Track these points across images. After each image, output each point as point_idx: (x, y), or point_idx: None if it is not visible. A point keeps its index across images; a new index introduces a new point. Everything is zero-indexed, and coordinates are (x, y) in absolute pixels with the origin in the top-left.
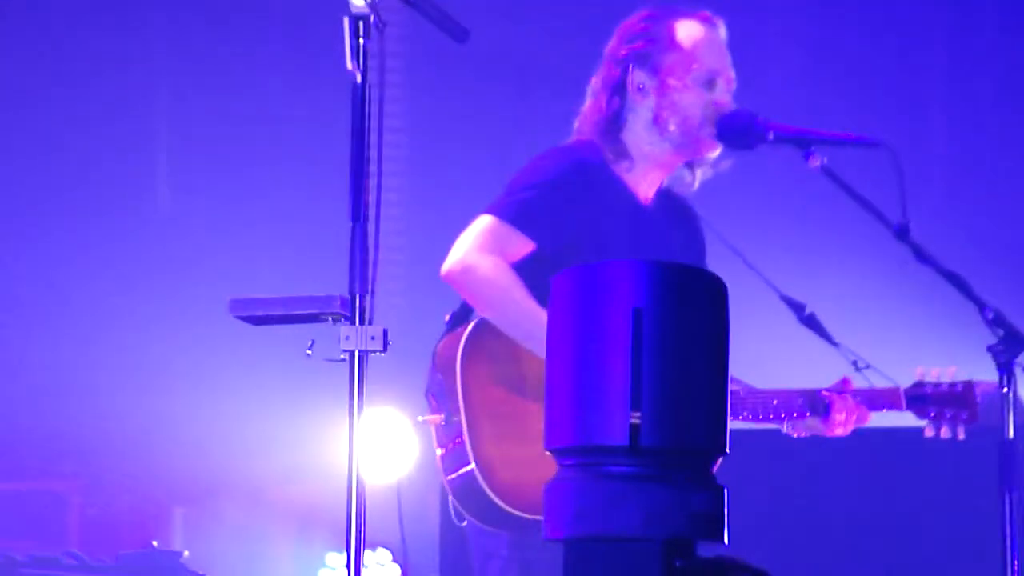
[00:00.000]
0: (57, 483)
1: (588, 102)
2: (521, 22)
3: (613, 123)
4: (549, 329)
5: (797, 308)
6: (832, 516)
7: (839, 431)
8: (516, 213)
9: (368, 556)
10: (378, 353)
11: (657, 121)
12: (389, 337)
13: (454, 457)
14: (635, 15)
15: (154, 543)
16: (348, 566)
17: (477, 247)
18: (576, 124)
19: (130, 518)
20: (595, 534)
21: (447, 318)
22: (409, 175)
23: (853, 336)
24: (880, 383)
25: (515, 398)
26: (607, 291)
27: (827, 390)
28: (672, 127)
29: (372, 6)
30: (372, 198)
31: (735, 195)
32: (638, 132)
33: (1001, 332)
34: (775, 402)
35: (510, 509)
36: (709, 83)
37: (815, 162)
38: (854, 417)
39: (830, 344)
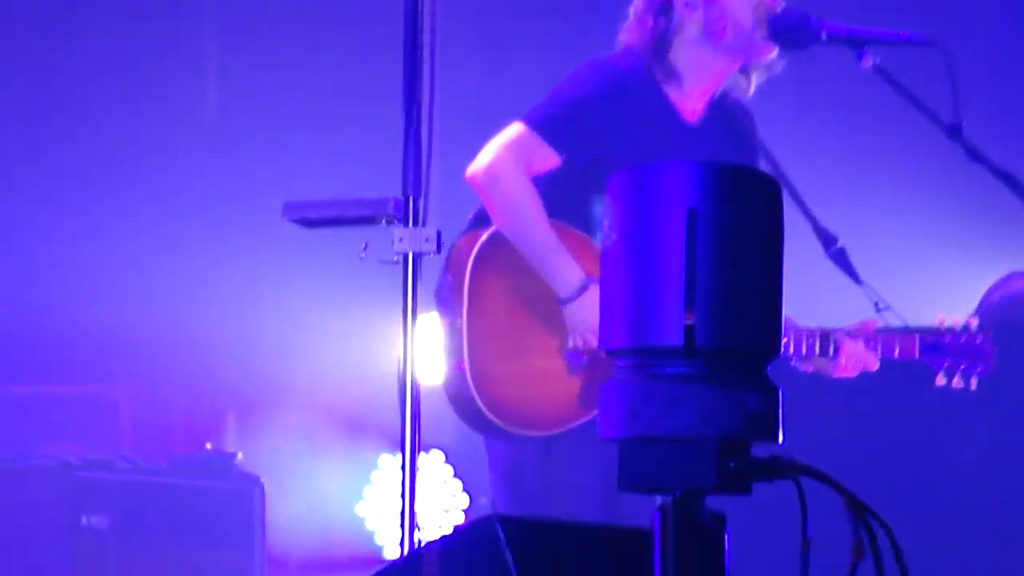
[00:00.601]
0: (110, 387)
1: (631, 22)
2: None
3: (660, 43)
4: (603, 229)
5: (828, 241)
6: (886, 418)
7: (844, 374)
8: (548, 126)
9: (421, 458)
10: (432, 255)
11: (709, 32)
12: (443, 239)
13: (450, 361)
14: None
15: (207, 445)
16: (403, 468)
17: (505, 156)
18: (620, 41)
19: (183, 421)
20: (650, 434)
21: (471, 216)
22: (462, 76)
23: (878, 276)
24: (895, 324)
25: (519, 313)
26: (661, 191)
27: (841, 332)
28: (725, 36)
29: None
30: (425, 100)
31: (780, 108)
32: (689, 48)
33: None
34: (784, 339)
35: (496, 420)
36: None
37: (868, 62)
38: (862, 364)
39: (854, 281)
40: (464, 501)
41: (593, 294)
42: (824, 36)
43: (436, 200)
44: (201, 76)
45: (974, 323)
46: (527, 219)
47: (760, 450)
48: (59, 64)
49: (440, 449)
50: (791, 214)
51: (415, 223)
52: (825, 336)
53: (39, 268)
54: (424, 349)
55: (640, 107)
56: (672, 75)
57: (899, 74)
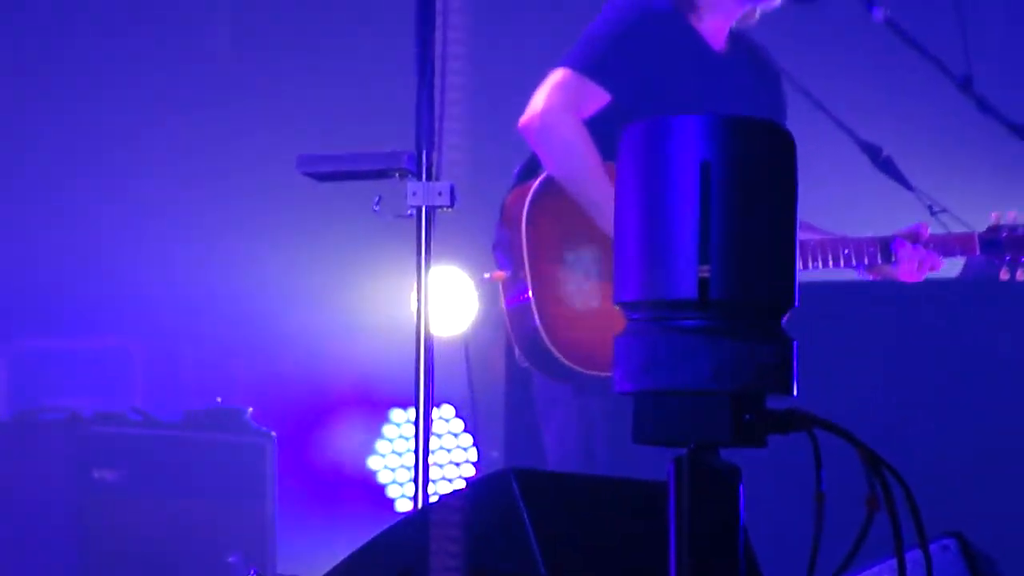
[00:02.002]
0: (122, 340)
1: None
2: None
3: None
4: (617, 183)
5: (874, 152)
6: (900, 368)
7: (909, 278)
8: (592, 64)
9: (433, 412)
10: (445, 209)
11: None
12: (456, 193)
13: (520, 314)
14: None
15: (218, 399)
16: (416, 422)
17: (557, 103)
18: None
19: (195, 375)
20: (664, 387)
21: (516, 170)
22: (474, 28)
23: (929, 182)
24: (956, 228)
25: (578, 258)
26: (675, 145)
27: (899, 237)
28: None
29: None
30: (438, 53)
31: (807, 45)
32: None
33: None
34: (846, 251)
35: (573, 365)
36: None
37: (879, 15)
38: (927, 265)
39: (906, 188)
40: (475, 455)
41: None
42: None
43: (454, 153)
44: (214, 28)
45: (1020, 216)
46: (585, 165)
47: (775, 403)
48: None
49: (451, 404)
50: (831, 131)
51: (428, 177)
52: (884, 243)
53: (51, 221)
54: (439, 302)
55: (674, 38)
56: (691, 6)
57: (911, 27)
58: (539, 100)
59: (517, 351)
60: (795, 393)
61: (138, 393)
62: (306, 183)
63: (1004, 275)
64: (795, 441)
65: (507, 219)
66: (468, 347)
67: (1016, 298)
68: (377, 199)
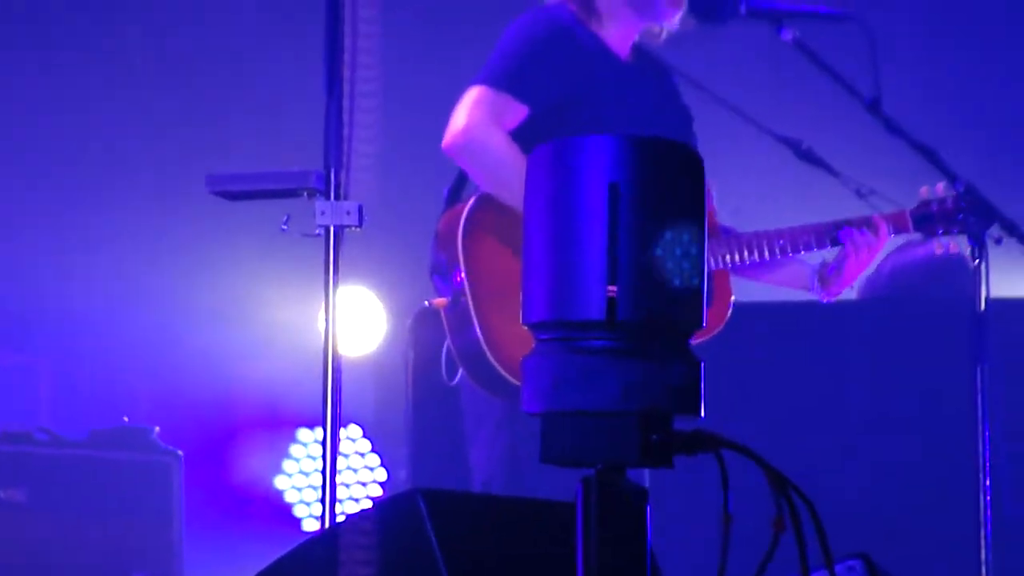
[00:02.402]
0: (28, 358)
1: None
2: None
3: None
4: (526, 203)
5: (794, 144)
6: (806, 390)
7: (859, 263)
8: (508, 79)
9: (340, 432)
10: (353, 228)
11: None
12: (364, 212)
13: (463, 336)
14: None
15: (125, 418)
16: (324, 441)
17: (479, 118)
18: None
19: (102, 393)
20: (572, 408)
21: (444, 194)
22: (384, 48)
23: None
24: (886, 209)
25: (519, 272)
26: (583, 165)
27: (843, 223)
28: None
29: None
30: (347, 73)
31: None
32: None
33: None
34: (781, 241)
35: (517, 383)
36: None
37: (788, 36)
38: (875, 247)
39: (831, 174)
40: (382, 475)
41: None
42: (744, 9)
43: (363, 173)
44: (125, 43)
45: (940, 188)
46: (519, 174)
47: (682, 424)
48: None
49: (358, 424)
50: (749, 132)
51: (336, 196)
52: (829, 230)
53: None
54: (346, 322)
55: (584, 47)
56: (594, 14)
57: (820, 47)
58: (460, 118)
59: (460, 371)
60: (703, 414)
61: (44, 412)
62: (215, 201)
63: (938, 249)
64: (704, 462)
65: (442, 242)
66: (376, 366)
67: (917, 315)
68: (285, 218)
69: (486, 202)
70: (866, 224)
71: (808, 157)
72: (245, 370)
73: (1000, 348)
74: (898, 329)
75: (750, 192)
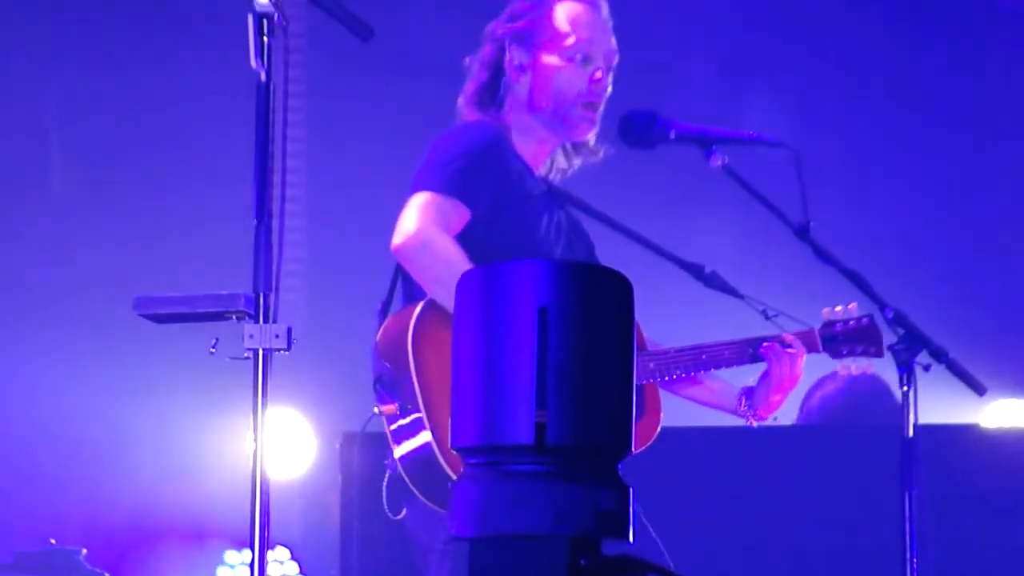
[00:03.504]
0: None
1: (469, 83)
2: (423, 18)
3: (491, 101)
4: (455, 326)
5: (696, 269)
6: (736, 514)
7: (784, 379)
8: (453, 183)
9: (268, 554)
10: (282, 351)
11: (531, 98)
12: (293, 335)
13: (413, 442)
14: None
15: (52, 541)
16: (252, 564)
17: (428, 222)
18: (460, 102)
19: (27, 516)
20: (501, 533)
21: (379, 307)
22: (310, 173)
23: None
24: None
25: None
26: (512, 290)
27: (764, 339)
28: (545, 104)
29: (276, 4)
30: (275, 196)
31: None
32: (516, 110)
33: (901, 331)
34: (703, 356)
35: None
36: (585, 60)
37: (717, 161)
38: (796, 361)
39: (736, 297)
40: None
41: None
42: (673, 135)
43: (291, 295)
44: (43, 162)
45: (854, 308)
46: None
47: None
48: None
49: (286, 546)
50: (651, 258)
51: (266, 319)
52: (749, 345)
53: None
54: (274, 444)
55: (510, 157)
56: (515, 131)
57: (753, 172)
58: (409, 222)
59: (404, 507)
60: (631, 538)
61: None
62: (144, 323)
63: (842, 370)
64: None
65: (386, 353)
66: (302, 490)
67: (846, 442)
68: (214, 341)
69: (432, 308)
70: (779, 341)
71: (711, 282)
72: (173, 491)
73: (929, 475)
74: (827, 456)
75: (654, 316)
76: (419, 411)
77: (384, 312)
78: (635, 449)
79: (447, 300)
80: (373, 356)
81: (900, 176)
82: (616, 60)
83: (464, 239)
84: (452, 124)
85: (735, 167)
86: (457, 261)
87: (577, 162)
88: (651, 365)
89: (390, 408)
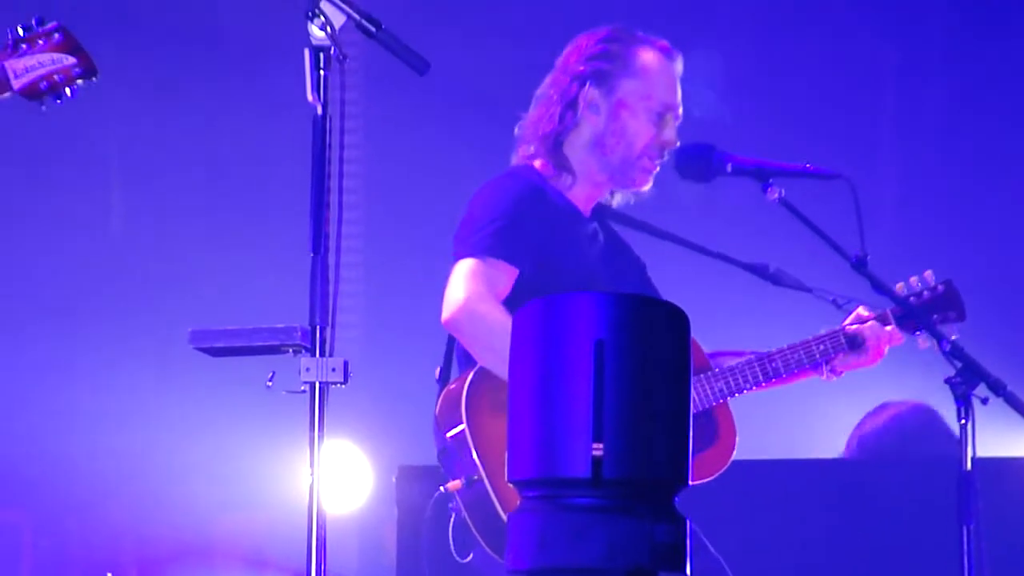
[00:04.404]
0: (12, 513)
1: (535, 112)
2: (481, 54)
3: (559, 136)
4: (512, 362)
5: (761, 269)
6: (793, 548)
7: (878, 358)
8: (494, 245)
9: None
10: (339, 385)
11: (599, 143)
12: (349, 369)
13: (484, 513)
14: (596, 32)
15: (109, 575)
16: None
17: (476, 290)
18: (518, 131)
19: (83, 550)
20: (558, 566)
21: (436, 375)
22: (367, 207)
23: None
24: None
25: None
26: (569, 323)
27: (847, 326)
28: (613, 152)
29: (333, 38)
30: (332, 230)
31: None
32: (577, 149)
33: (959, 364)
34: (798, 355)
35: None
36: (660, 116)
37: (773, 194)
38: (887, 341)
39: (804, 291)
40: None
41: None
42: (730, 168)
43: (348, 330)
44: (104, 199)
45: (930, 276)
46: None
47: None
48: None
49: None
50: (720, 270)
51: (322, 353)
52: (846, 334)
53: None
54: (330, 477)
55: (556, 206)
56: (565, 169)
57: (806, 206)
58: (457, 292)
59: (472, 551)
60: (688, 572)
61: (26, 568)
62: (201, 356)
63: (923, 344)
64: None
65: (445, 426)
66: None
67: (903, 475)
68: (271, 375)
69: (484, 377)
70: (861, 323)
71: (778, 279)
72: (229, 525)
73: (987, 508)
74: (885, 489)
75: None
76: (486, 486)
77: (443, 378)
78: (710, 476)
79: (498, 367)
80: (434, 429)
81: (953, 205)
82: (680, 119)
83: (516, 296)
84: (508, 158)
85: (791, 200)
86: (504, 326)
87: (619, 197)
88: (719, 385)
89: (455, 484)
